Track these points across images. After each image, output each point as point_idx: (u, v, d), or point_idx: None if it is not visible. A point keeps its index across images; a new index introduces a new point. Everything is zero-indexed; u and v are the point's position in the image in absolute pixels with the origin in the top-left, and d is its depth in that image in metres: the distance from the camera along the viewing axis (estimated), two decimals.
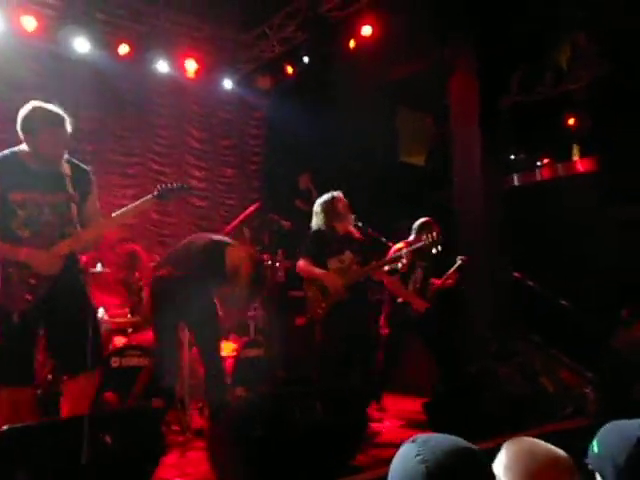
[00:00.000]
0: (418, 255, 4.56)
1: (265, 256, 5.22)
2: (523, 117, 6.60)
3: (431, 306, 4.57)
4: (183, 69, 6.68)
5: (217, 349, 3.84)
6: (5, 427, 2.17)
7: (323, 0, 6.07)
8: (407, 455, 1.17)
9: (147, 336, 4.04)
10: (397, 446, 3.46)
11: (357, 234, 4.39)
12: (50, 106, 2.90)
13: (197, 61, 6.68)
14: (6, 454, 2.12)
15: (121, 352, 4.14)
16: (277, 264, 5.39)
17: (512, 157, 7.55)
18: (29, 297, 2.73)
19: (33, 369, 2.99)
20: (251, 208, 5.36)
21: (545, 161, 7.41)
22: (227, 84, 7.19)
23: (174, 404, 3.97)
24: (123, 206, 3.12)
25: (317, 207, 4.33)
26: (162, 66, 6.51)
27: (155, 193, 3.08)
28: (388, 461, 3.14)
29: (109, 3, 5.95)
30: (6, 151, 2.88)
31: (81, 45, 5.81)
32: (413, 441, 1.19)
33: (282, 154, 7.22)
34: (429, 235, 4.27)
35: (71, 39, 5.77)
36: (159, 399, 3.82)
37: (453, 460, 1.13)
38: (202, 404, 4.18)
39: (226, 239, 3.91)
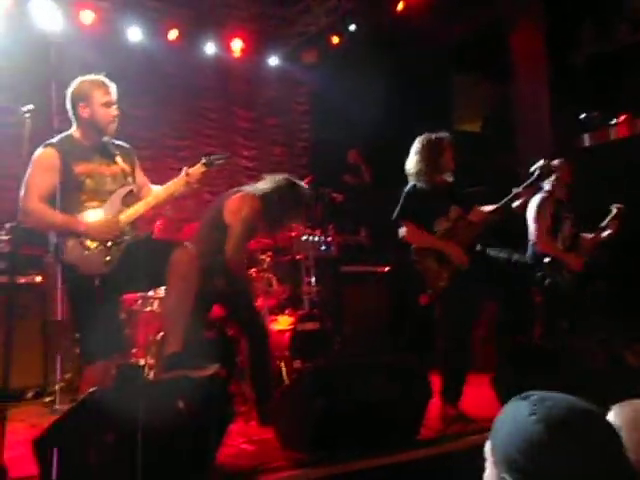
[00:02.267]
0: (562, 207, 4.26)
1: (317, 231, 5.30)
2: (595, 70, 6.04)
3: (590, 263, 4.26)
4: (230, 49, 6.80)
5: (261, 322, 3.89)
6: (92, 389, 2.33)
7: None
8: (518, 414, 1.05)
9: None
10: (463, 421, 3.39)
11: (451, 182, 3.86)
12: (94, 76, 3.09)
13: (243, 40, 6.78)
14: (95, 416, 2.27)
15: None
16: (329, 238, 5.45)
17: (582, 116, 6.75)
18: (108, 259, 2.87)
19: (123, 335, 3.16)
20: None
21: (622, 118, 6.53)
22: (273, 61, 7.26)
23: (236, 375, 4.12)
24: None
25: (418, 151, 3.79)
26: (210, 48, 6.68)
27: (203, 160, 3.20)
28: (452, 437, 3.15)
29: None
30: (58, 135, 3.05)
31: (134, 34, 6.05)
32: (524, 398, 1.07)
33: (330, 129, 7.22)
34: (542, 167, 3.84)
35: (125, 28, 6.04)
36: (222, 369, 3.96)
37: (575, 420, 1.01)
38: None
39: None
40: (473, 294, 3.73)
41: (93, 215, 2.94)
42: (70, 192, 2.92)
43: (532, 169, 3.92)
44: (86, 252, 2.84)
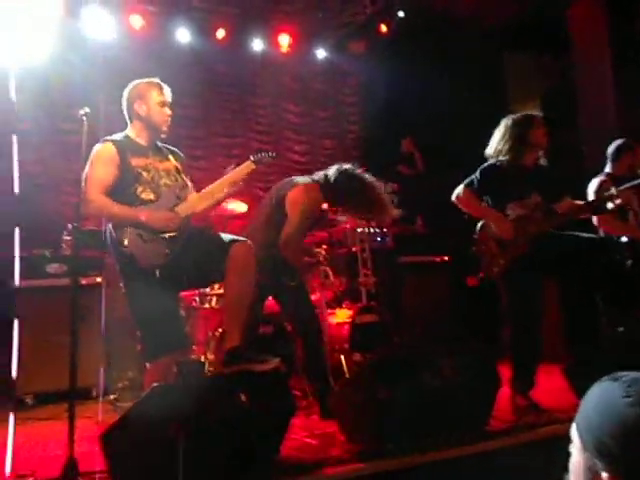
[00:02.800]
0: (620, 184, 3.87)
1: (372, 222, 5.22)
2: None
3: None
4: (277, 45, 6.80)
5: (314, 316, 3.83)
6: (155, 384, 2.34)
7: None
8: (610, 396, 0.98)
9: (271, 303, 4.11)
10: (536, 411, 3.24)
11: (542, 166, 3.62)
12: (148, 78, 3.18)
13: (290, 34, 6.76)
14: (158, 411, 2.28)
15: None
16: (385, 230, 5.37)
17: None
18: (167, 251, 2.88)
19: (184, 330, 3.18)
20: None
21: None
22: (320, 54, 7.22)
23: (295, 369, 4.10)
24: None
25: (503, 130, 3.64)
26: (257, 44, 6.71)
27: (252, 158, 3.21)
28: (525, 428, 3.03)
29: None
30: (115, 135, 3.11)
31: (182, 35, 6.17)
32: (614, 379, 1.00)
33: (380, 119, 7.12)
34: None
35: (173, 31, 6.14)
36: (283, 363, 3.94)
37: None
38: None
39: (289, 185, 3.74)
40: (538, 281, 3.57)
41: (150, 207, 2.96)
42: (127, 185, 2.97)
43: None
44: (145, 244, 2.86)
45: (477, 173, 3.64)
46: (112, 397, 4.28)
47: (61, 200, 5.59)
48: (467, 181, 3.68)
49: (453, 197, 3.71)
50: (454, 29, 6.49)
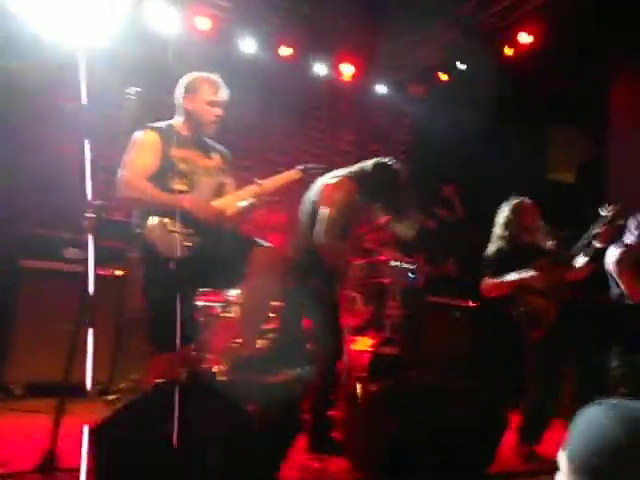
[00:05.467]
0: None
1: (410, 259, 5.17)
2: None
3: None
4: (340, 73, 6.90)
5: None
6: (157, 382, 2.28)
7: (485, 8, 6.01)
8: (594, 419, 1.03)
9: None
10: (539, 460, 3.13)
11: (548, 244, 4.00)
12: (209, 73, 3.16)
13: (354, 65, 6.87)
14: (157, 407, 2.21)
15: None
16: (417, 267, 5.28)
17: None
18: (188, 244, 2.78)
19: (196, 330, 3.15)
20: None
21: None
22: (380, 89, 7.31)
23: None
24: None
25: (499, 220, 4.01)
26: (320, 69, 6.79)
27: (299, 167, 3.20)
28: (525, 474, 2.90)
29: (278, 7, 6.23)
30: (158, 123, 3.09)
31: (248, 45, 6.28)
32: (598, 405, 1.05)
33: (428, 162, 7.12)
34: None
35: (239, 39, 6.25)
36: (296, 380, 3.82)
37: None
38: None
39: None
40: (561, 344, 3.68)
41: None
42: (163, 174, 2.92)
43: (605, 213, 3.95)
44: (167, 234, 2.78)
45: (486, 262, 3.91)
46: (111, 397, 3.99)
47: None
48: (487, 275, 3.89)
49: (482, 291, 3.93)
50: (507, 92, 6.60)
